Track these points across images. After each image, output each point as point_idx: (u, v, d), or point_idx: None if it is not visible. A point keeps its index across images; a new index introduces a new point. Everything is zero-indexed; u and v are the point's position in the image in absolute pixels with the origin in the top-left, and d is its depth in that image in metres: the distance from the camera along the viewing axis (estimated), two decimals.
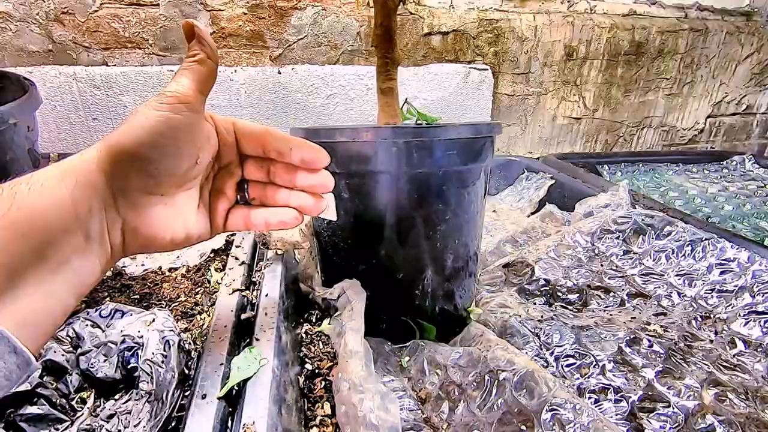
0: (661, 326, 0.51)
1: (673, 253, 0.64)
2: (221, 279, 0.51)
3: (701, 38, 1.37)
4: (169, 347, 0.36)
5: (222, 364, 0.35)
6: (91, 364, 0.36)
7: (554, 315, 0.53)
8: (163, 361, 0.35)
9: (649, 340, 0.48)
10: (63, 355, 0.36)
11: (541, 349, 0.47)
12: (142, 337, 0.37)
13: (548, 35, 1.22)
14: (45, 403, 0.33)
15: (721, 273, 0.59)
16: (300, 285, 0.54)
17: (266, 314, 0.42)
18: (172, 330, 0.38)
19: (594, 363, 0.45)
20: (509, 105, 1.26)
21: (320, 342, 0.45)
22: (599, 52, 1.28)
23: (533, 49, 1.22)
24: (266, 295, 0.45)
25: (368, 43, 1.08)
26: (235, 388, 0.33)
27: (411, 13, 1.10)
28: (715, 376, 0.44)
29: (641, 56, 1.33)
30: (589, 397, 0.42)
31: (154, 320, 0.38)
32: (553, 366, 0.46)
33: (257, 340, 0.38)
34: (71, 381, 0.35)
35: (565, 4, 1.25)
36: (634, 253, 0.65)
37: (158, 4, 0.94)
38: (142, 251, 0.31)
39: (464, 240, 0.48)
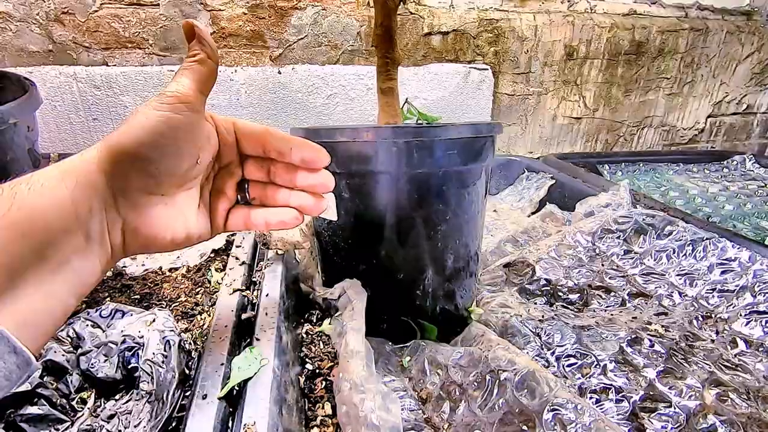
0: (663, 326, 0.51)
1: (674, 252, 0.64)
2: (222, 279, 0.51)
3: (701, 38, 1.37)
4: (170, 347, 0.36)
5: (222, 364, 0.35)
6: (92, 364, 0.36)
7: (555, 315, 0.53)
8: (163, 361, 0.35)
9: (650, 340, 0.48)
10: (63, 355, 0.36)
11: (542, 349, 0.47)
12: (142, 337, 0.36)
13: (548, 35, 1.22)
14: (45, 403, 0.33)
15: (722, 273, 0.59)
16: (300, 285, 0.53)
17: (267, 314, 0.42)
18: (172, 330, 0.38)
19: (595, 363, 0.45)
20: (509, 105, 1.26)
21: (321, 342, 0.45)
22: (599, 51, 1.28)
23: (533, 49, 1.22)
24: (267, 295, 0.45)
25: (368, 43, 1.08)
26: (236, 388, 0.33)
27: (411, 13, 1.10)
28: (716, 375, 0.44)
29: (641, 56, 1.33)
30: (591, 397, 0.42)
31: (154, 320, 0.38)
32: (554, 366, 0.46)
33: (258, 340, 0.38)
34: (72, 381, 0.35)
35: (565, 4, 1.25)
36: (635, 253, 0.65)
37: (158, 4, 0.93)
38: (143, 251, 0.30)
39: (465, 240, 0.48)
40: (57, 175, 0.25)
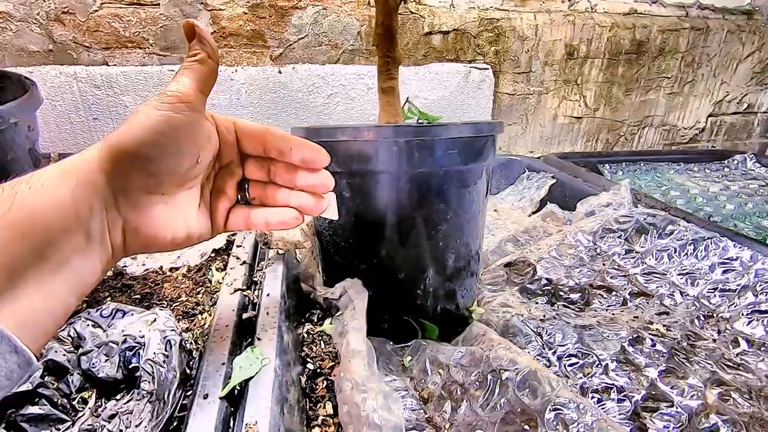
0: (664, 325, 0.51)
1: (675, 252, 0.63)
2: (222, 279, 0.51)
3: (702, 37, 1.37)
4: (171, 347, 0.36)
5: (224, 363, 0.35)
6: (93, 364, 0.36)
7: (556, 314, 0.53)
8: (164, 361, 0.35)
9: (651, 340, 0.48)
10: (64, 355, 0.36)
11: (544, 349, 0.47)
12: (143, 336, 0.36)
13: (549, 34, 1.21)
14: (46, 403, 0.33)
15: (724, 272, 0.59)
16: (301, 284, 0.53)
17: (268, 314, 0.42)
18: (173, 330, 0.37)
19: (597, 362, 0.45)
20: (510, 104, 1.26)
21: (322, 342, 0.45)
22: (600, 51, 1.28)
23: (534, 49, 1.22)
24: (268, 295, 0.45)
25: (369, 42, 1.08)
26: (237, 387, 0.33)
27: (412, 13, 1.10)
28: (718, 375, 0.44)
29: (642, 55, 1.33)
30: (592, 397, 0.42)
31: (155, 320, 0.38)
32: (555, 365, 0.46)
33: (259, 339, 0.38)
34: (72, 381, 0.35)
35: (565, 3, 1.25)
36: (636, 252, 0.65)
37: (159, 4, 0.93)
38: (143, 251, 0.30)
39: (466, 239, 0.48)
40: (57, 175, 0.25)
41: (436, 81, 1.14)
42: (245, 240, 0.60)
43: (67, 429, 0.33)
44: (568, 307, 0.57)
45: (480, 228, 0.50)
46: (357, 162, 0.43)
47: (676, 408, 0.40)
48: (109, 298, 0.49)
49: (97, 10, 0.91)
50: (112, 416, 0.34)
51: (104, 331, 0.38)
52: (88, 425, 0.33)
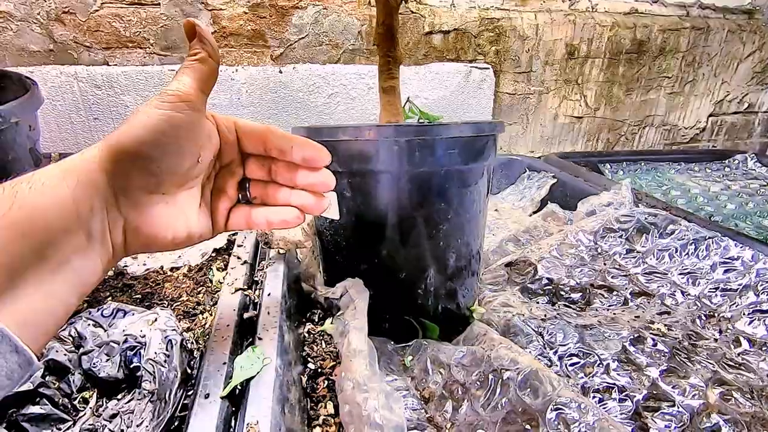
0: (665, 325, 0.51)
1: (676, 251, 0.63)
2: (223, 278, 0.51)
3: (703, 36, 1.37)
4: (172, 347, 0.36)
5: (225, 363, 0.35)
6: (94, 363, 0.36)
7: (557, 314, 0.53)
8: (165, 361, 0.35)
9: (653, 339, 0.48)
10: (65, 354, 0.36)
11: (545, 348, 0.47)
12: (144, 336, 0.36)
13: (549, 34, 1.21)
14: (47, 402, 0.33)
15: (725, 271, 0.59)
16: (302, 284, 0.53)
17: (269, 313, 0.42)
18: (174, 329, 0.37)
19: (598, 362, 0.45)
20: (510, 104, 1.26)
21: (323, 341, 0.45)
22: (601, 50, 1.28)
23: (534, 48, 1.22)
24: (268, 295, 0.45)
25: (369, 42, 1.08)
26: (238, 387, 0.33)
27: (412, 12, 1.10)
28: (720, 375, 0.44)
29: (643, 55, 1.32)
30: (594, 397, 0.42)
31: (156, 320, 0.38)
32: (556, 365, 0.46)
33: (260, 339, 0.38)
34: (73, 381, 0.35)
35: (566, 3, 1.25)
36: (638, 252, 0.65)
37: (159, 4, 0.93)
38: (144, 250, 0.30)
39: (466, 239, 0.48)
40: (58, 174, 0.25)
41: (437, 80, 1.14)
42: (246, 239, 0.60)
43: (68, 429, 0.33)
44: (569, 307, 0.57)
45: (481, 227, 0.50)
46: (358, 161, 0.43)
47: (678, 408, 0.40)
48: (110, 298, 0.49)
49: (97, 10, 0.91)
50: (113, 416, 0.34)
51: (105, 330, 0.38)
52: (89, 425, 0.33)
